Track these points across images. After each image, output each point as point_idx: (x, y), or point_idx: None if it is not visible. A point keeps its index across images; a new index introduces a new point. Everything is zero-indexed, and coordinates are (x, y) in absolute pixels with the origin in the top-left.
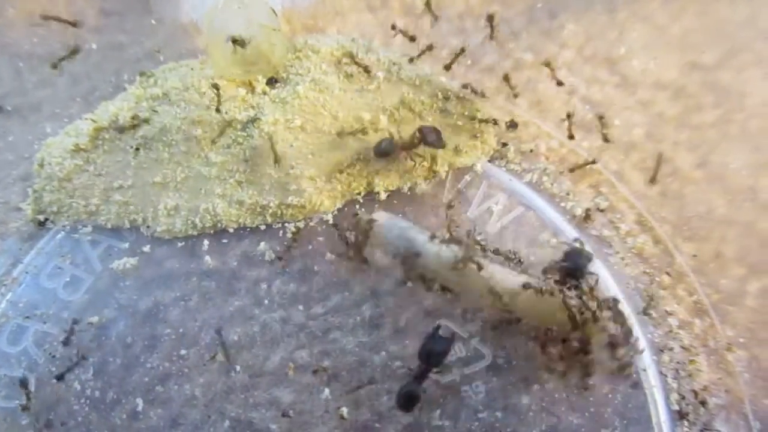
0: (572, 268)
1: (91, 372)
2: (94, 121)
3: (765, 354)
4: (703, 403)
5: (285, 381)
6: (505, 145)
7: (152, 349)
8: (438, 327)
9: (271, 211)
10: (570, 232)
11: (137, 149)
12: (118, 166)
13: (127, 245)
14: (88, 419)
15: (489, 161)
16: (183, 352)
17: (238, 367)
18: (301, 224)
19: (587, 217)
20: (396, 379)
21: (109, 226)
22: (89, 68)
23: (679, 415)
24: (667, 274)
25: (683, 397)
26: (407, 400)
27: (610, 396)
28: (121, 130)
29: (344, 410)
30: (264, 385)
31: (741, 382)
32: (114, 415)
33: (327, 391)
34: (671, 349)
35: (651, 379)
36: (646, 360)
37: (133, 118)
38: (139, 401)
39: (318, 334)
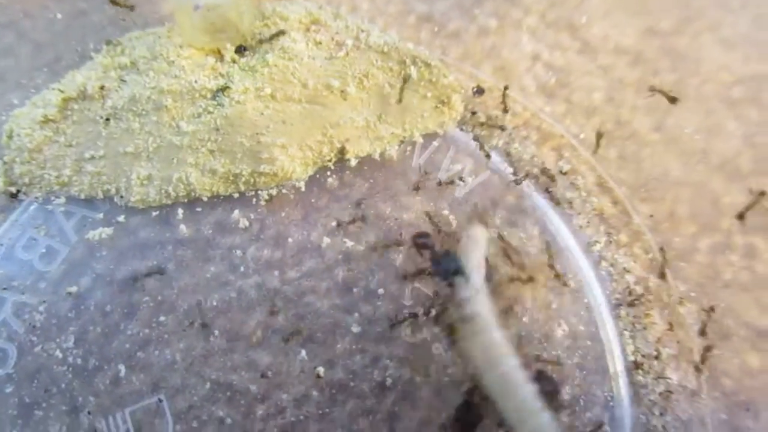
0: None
1: (72, 340)
2: (61, 91)
3: (713, 306)
4: (657, 353)
5: (262, 344)
6: (474, 113)
7: (131, 317)
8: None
9: (243, 179)
10: (534, 196)
11: (107, 119)
12: (89, 136)
13: (101, 215)
14: (72, 386)
15: (457, 126)
16: (162, 318)
17: (216, 332)
18: (273, 191)
19: (550, 182)
20: (370, 341)
21: (82, 196)
22: (53, 36)
23: (635, 366)
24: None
25: (638, 349)
26: None
27: (570, 349)
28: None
29: (320, 369)
30: (242, 349)
31: (691, 333)
32: (97, 381)
33: (303, 352)
34: (627, 304)
35: (609, 333)
36: (604, 314)
37: (101, 88)
38: (121, 367)
39: (293, 298)
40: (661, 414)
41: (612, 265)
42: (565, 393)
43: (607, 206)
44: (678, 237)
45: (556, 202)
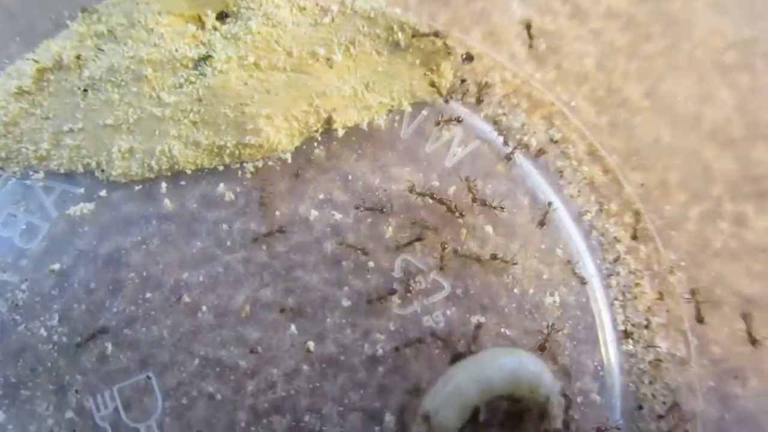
0: None
1: (57, 318)
2: (36, 61)
3: (703, 276)
4: (647, 322)
5: (251, 319)
6: (464, 81)
7: (116, 294)
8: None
9: (228, 151)
10: (525, 165)
11: (85, 90)
12: (67, 108)
13: (82, 190)
14: (58, 364)
15: (445, 95)
16: (148, 295)
17: (204, 308)
18: (259, 164)
19: (540, 151)
20: (360, 314)
21: (62, 171)
22: (25, 3)
23: (625, 335)
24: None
25: (628, 318)
26: None
27: (561, 320)
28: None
29: (310, 344)
30: (230, 324)
31: (681, 302)
32: (84, 359)
33: (293, 327)
34: (618, 274)
35: (599, 303)
36: (594, 284)
37: (77, 57)
38: (108, 345)
39: (281, 273)
40: (651, 382)
41: (602, 234)
42: (554, 363)
43: (597, 175)
44: (669, 205)
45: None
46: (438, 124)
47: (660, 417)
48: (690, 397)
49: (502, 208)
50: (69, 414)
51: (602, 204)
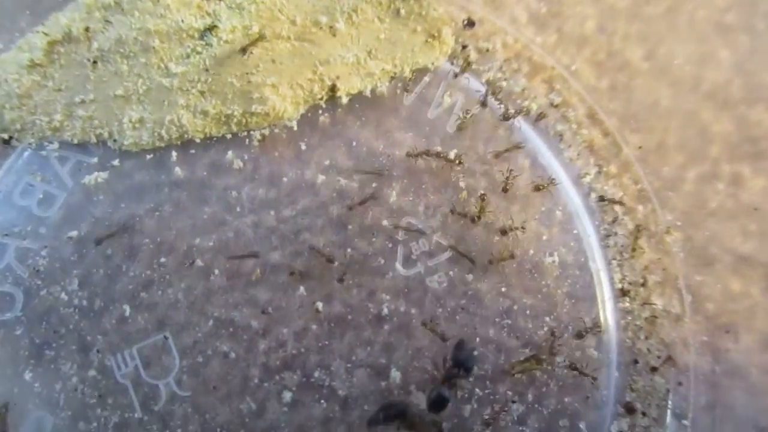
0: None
1: (77, 283)
2: (46, 34)
3: (698, 235)
4: (644, 281)
5: (261, 281)
6: (465, 47)
7: (132, 259)
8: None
9: (236, 120)
10: (525, 129)
11: (95, 62)
12: (78, 80)
13: (95, 160)
14: (79, 326)
15: (447, 61)
16: (162, 259)
17: (216, 271)
18: (266, 132)
19: (541, 115)
20: (366, 275)
21: (75, 141)
22: None
23: (622, 293)
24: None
25: (625, 277)
26: (437, 403)
27: (559, 279)
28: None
29: (319, 305)
30: (241, 286)
31: (677, 261)
32: (104, 321)
33: (301, 288)
34: (616, 234)
35: (597, 262)
36: (593, 244)
37: (86, 29)
38: (126, 307)
39: (289, 236)
40: (646, 338)
41: (601, 196)
42: (553, 320)
43: (597, 138)
44: (666, 167)
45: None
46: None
47: (654, 369)
48: (684, 351)
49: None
50: (92, 372)
51: (601, 166)
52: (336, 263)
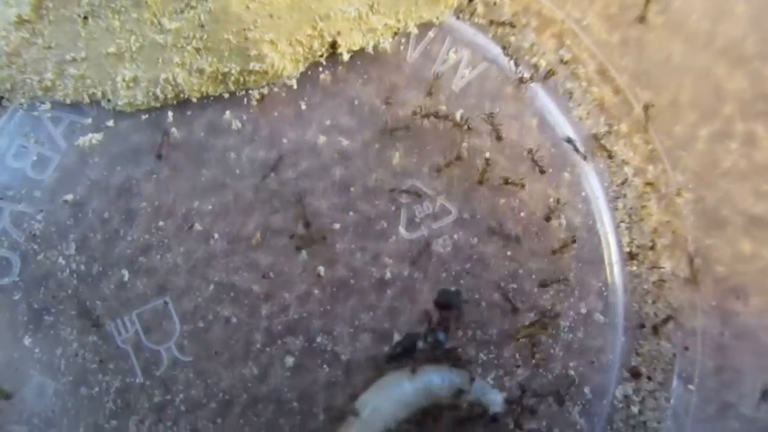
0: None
1: (74, 248)
2: None
3: (710, 196)
4: (653, 244)
5: (262, 245)
6: (471, 0)
7: (130, 223)
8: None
9: (233, 78)
10: (534, 87)
11: (85, 18)
12: (68, 37)
13: (89, 120)
14: (78, 291)
15: (453, 15)
16: (161, 223)
17: (216, 235)
18: (265, 90)
19: (550, 72)
20: (369, 239)
21: (68, 101)
22: None
23: (630, 256)
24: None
25: (634, 240)
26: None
27: (567, 242)
28: None
29: (321, 269)
30: (242, 250)
31: (687, 223)
32: (102, 286)
33: (303, 252)
34: (625, 196)
35: (606, 225)
36: (601, 206)
37: None
38: (125, 272)
39: (290, 199)
40: (654, 302)
41: (610, 157)
42: (560, 284)
43: (608, 96)
44: (678, 125)
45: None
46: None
47: (655, 329)
48: (691, 315)
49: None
50: (92, 338)
51: (611, 125)
52: (312, 227)
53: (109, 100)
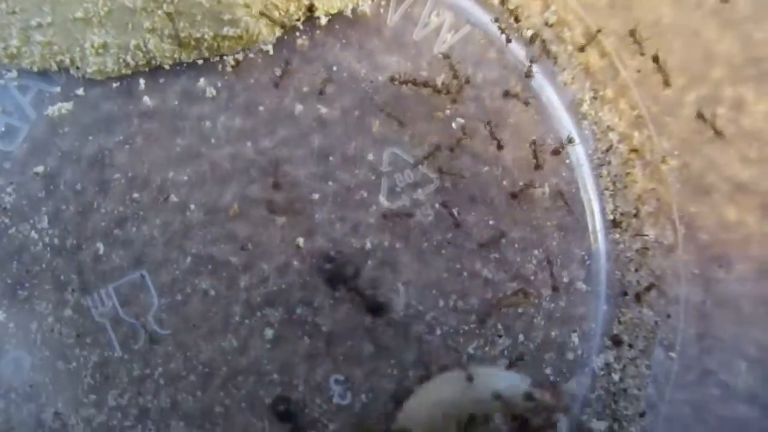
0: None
1: (46, 221)
2: None
3: (695, 163)
4: (636, 211)
5: (240, 216)
6: None
7: (104, 194)
8: None
9: (206, 44)
10: (517, 51)
11: None
12: (33, 1)
13: (58, 89)
14: (52, 265)
15: None
16: (135, 195)
17: (192, 206)
18: (240, 56)
19: (534, 36)
20: (349, 208)
21: (35, 69)
22: None
23: (613, 224)
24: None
25: (617, 208)
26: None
27: (550, 210)
28: None
29: (300, 240)
30: (220, 221)
31: (672, 190)
32: (77, 260)
33: (282, 222)
34: (609, 163)
35: (589, 192)
36: (585, 174)
37: None
38: (100, 245)
39: (268, 169)
40: (636, 270)
41: (596, 123)
42: (543, 252)
43: (594, 60)
44: (666, 90)
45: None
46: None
47: (638, 297)
48: (674, 283)
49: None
50: (68, 312)
51: (597, 91)
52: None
53: (78, 68)
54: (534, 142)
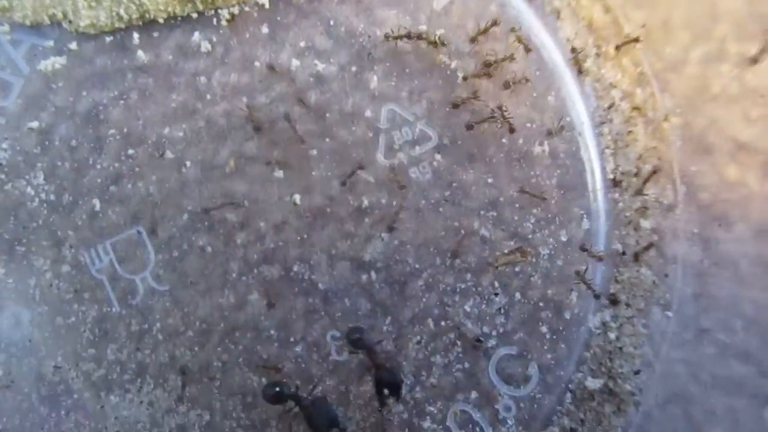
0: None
1: (42, 177)
2: None
3: (697, 121)
4: (637, 170)
5: (236, 173)
6: None
7: (99, 151)
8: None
9: None
10: (519, 5)
11: None
12: None
13: (51, 43)
14: (49, 221)
15: None
16: (131, 151)
17: (188, 163)
18: (235, 10)
19: None
20: (348, 165)
21: (27, 23)
22: None
23: (614, 183)
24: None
25: (618, 167)
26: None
27: (550, 168)
28: None
29: (296, 197)
30: (216, 178)
31: (673, 149)
32: (74, 216)
33: (279, 179)
34: (611, 121)
35: (590, 151)
36: (586, 132)
37: None
38: (96, 201)
39: (264, 125)
40: (635, 229)
41: (598, 80)
42: (541, 211)
43: (597, 15)
44: (669, 47)
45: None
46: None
47: (636, 256)
48: (673, 242)
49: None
50: (66, 268)
51: (600, 47)
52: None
53: (70, 21)
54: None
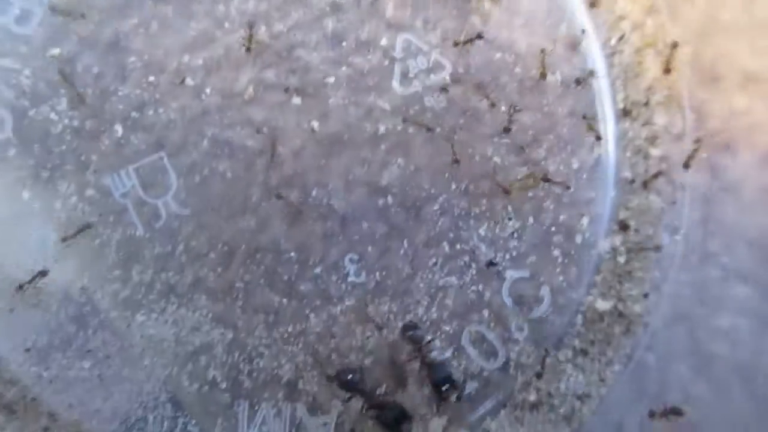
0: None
1: (65, 103)
2: None
3: (707, 50)
4: (647, 100)
5: (256, 100)
6: None
7: (121, 78)
8: None
9: None
10: None
11: None
12: None
13: None
14: (72, 146)
15: None
16: (152, 78)
17: (208, 90)
18: None
19: None
20: (362, 93)
21: None
22: None
23: (624, 113)
24: None
25: (628, 96)
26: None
27: (561, 96)
28: None
29: (315, 123)
30: (236, 105)
31: (683, 78)
32: (97, 141)
33: (297, 107)
34: (622, 52)
35: (600, 80)
36: (597, 62)
37: None
38: (119, 127)
39: (282, 53)
40: (645, 157)
41: (610, 11)
42: (553, 138)
43: None
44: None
45: None
46: None
47: (645, 184)
48: (681, 170)
49: None
50: (90, 192)
51: None
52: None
53: None
54: (543, 51)
